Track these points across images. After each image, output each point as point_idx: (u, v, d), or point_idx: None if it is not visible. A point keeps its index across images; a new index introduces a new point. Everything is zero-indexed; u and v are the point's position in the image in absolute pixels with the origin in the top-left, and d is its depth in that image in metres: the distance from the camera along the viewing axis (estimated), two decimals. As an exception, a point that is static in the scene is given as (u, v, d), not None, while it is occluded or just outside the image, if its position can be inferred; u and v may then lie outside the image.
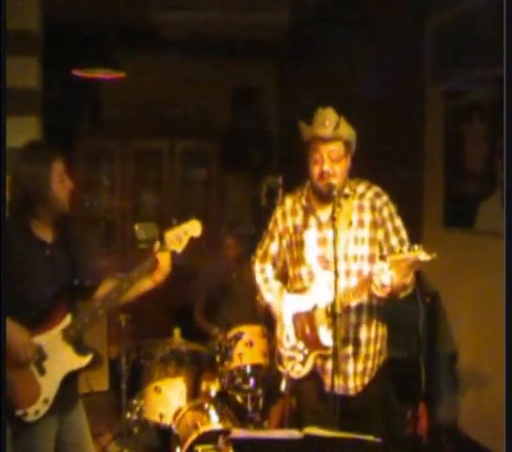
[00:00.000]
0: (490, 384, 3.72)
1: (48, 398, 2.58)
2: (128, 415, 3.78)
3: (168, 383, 3.77)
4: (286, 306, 2.90)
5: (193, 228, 2.75)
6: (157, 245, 2.70)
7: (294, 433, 2.10)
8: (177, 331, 4.04)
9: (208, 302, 4.76)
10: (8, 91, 3.28)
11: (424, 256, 2.38)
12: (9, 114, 3.18)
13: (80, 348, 2.68)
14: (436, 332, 4.17)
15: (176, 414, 3.61)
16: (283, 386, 3.07)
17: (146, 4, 5.01)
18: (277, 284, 3.01)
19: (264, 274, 3.05)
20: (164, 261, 2.70)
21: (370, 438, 2.11)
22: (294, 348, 2.86)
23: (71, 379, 2.67)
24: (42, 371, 2.58)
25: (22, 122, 3.80)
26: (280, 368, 2.99)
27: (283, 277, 3.03)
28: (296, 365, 2.87)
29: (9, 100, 3.25)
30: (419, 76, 4.42)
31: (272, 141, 7.04)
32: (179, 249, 2.73)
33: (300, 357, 2.85)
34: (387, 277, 2.46)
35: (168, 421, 3.63)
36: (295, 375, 2.90)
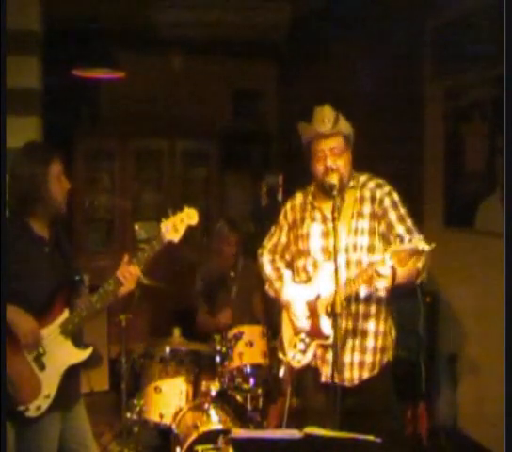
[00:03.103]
0: (490, 384, 3.72)
1: (49, 393, 2.59)
2: (128, 415, 3.78)
3: (168, 383, 3.76)
4: (293, 295, 2.93)
5: (189, 216, 2.75)
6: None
7: (294, 433, 2.10)
8: (177, 331, 4.04)
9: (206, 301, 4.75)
10: (8, 91, 3.27)
11: (423, 246, 2.39)
12: (9, 114, 3.17)
13: (79, 343, 2.70)
14: (436, 332, 4.17)
15: (176, 414, 3.61)
16: (282, 373, 3.08)
17: (146, 4, 5.00)
18: (287, 273, 3.04)
19: (274, 264, 3.11)
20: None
21: (370, 438, 2.11)
22: (297, 335, 2.90)
23: (72, 375, 2.69)
24: (42, 366, 2.60)
25: (22, 122, 3.80)
26: (281, 356, 3.03)
27: (291, 270, 3.06)
28: (297, 355, 2.90)
29: (9, 100, 3.25)
30: (419, 76, 4.42)
31: (272, 141, 7.04)
32: (176, 238, 2.73)
33: (302, 346, 2.88)
34: (386, 268, 2.49)
35: (168, 421, 3.63)
36: (295, 364, 2.93)
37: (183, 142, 6.68)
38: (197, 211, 2.76)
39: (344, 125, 2.81)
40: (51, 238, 2.72)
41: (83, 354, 2.69)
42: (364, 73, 4.90)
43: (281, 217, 3.10)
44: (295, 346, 2.92)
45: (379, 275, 2.52)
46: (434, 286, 4.21)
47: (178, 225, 2.73)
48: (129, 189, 6.62)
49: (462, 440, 4.02)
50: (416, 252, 2.43)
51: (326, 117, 2.76)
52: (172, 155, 6.69)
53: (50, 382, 2.61)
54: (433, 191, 4.35)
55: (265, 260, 3.14)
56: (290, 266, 3.06)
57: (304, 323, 2.87)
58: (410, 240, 2.44)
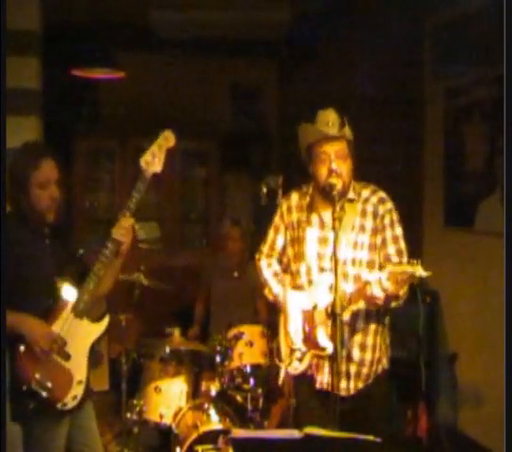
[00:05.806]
0: (490, 384, 3.72)
1: (81, 379, 2.58)
2: (128, 415, 3.78)
3: (168, 383, 3.77)
4: (291, 302, 2.91)
5: (166, 140, 2.65)
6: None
7: (294, 433, 2.10)
8: (177, 331, 4.04)
9: (209, 302, 4.76)
10: (8, 91, 3.28)
11: (421, 272, 2.39)
12: (9, 114, 3.17)
13: (95, 316, 2.64)
14: (436, 332, 4.17)
15: (176, 414, 3.62)
16: (281, 380, 3.08)
17: (146, 3, 5.00)
18: (286, 278, 3.00)
19: (271, 268, 3.05)
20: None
21: (370, 438, 2.11)
22: (295, 344, 2.88)
23: (92, 349, 2.65)
24: (67, 357, 2.56)
25: (22, 122, 3.80)
26: (277, 362, 3.00)
27: (288, 274, 3.02)
28: (294, 361, 2.88)
29: (9, 100, 3.25)
30: (419, 76, 4.43)
31: (272, 141, 7.04)
32: (159, 169, 2.65)
33: (298, 354, 2.87)
34: (379, 290, 2.48)
35: (168, 421, 3.63)
36: (292, 371, 2.92)
37: (182, 142, 6.66)
38: (172, 132, 2.64)
39: (349, 131, 2.74)
40: (50, 229, 2.64)
41: (101, 326, 2.64)
42: (364, 73, 4.90)
43: (278, 217, 3.01)
44: (292, 352, 2.88)
45: (373, 296, 2.52)
46: (434, 286, 4.21)
47: (157, 153, 2.63)
48: (129, 189, 6.59)
49: (462, 440, 4.02)
50: (412, 277, 2.41)
51: (331, 120, 2.68)
52: (172, 156, 6.68)
53: (79, 368, 2.58)
54: (433, 191, 4.36)
55: (263, 265, 3.07)
56: (287, 269, 3.01)
57: (298, 339, 2.84)
58: (409, 262, 2.43)
